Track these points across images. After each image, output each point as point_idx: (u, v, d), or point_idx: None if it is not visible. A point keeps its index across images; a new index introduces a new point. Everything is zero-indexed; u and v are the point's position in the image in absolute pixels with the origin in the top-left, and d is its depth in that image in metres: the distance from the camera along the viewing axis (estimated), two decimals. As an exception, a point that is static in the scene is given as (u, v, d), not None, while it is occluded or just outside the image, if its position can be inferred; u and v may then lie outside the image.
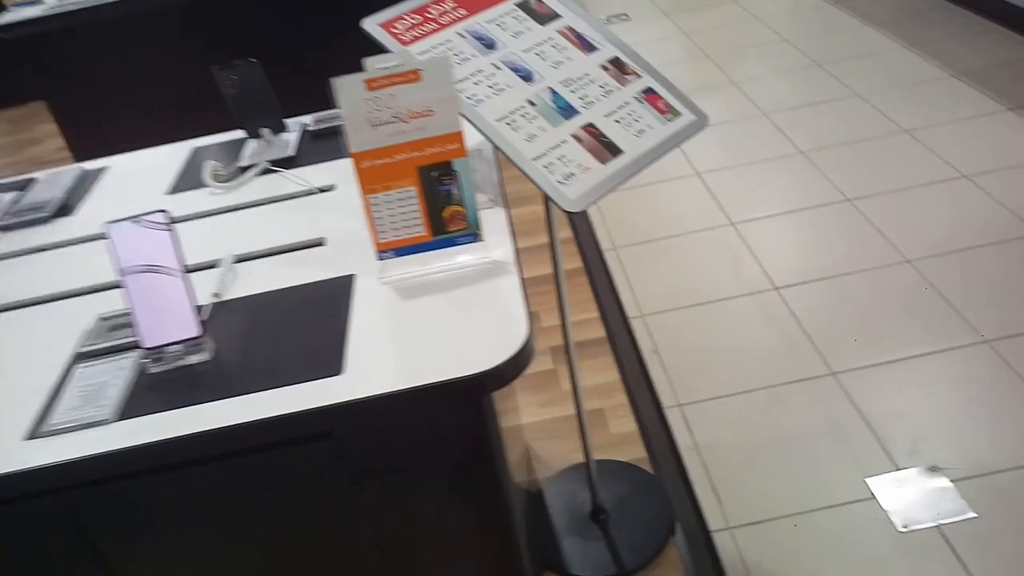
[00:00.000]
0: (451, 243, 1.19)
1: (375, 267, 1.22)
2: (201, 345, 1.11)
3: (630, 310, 2.53)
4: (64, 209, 1.64)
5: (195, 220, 1.49)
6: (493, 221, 1.30)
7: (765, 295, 2.50)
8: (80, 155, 3.60)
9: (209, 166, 1.59)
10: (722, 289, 2.55)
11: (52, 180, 1.76)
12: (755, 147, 3.31)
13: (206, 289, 1.25)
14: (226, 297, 1.24)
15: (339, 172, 1.56)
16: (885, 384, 2.11)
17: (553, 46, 1.44)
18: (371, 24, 1.39)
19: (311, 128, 1.74)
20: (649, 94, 1.43)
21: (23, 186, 1.76)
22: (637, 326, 2.46)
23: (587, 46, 1.46)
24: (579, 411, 1.68)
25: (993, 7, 3.98)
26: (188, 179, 1.63)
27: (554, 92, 1.38)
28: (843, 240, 2.67)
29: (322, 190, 1.51)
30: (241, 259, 1.33)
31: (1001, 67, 3.55)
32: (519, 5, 1.49)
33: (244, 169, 1.61)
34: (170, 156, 1.76)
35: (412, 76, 1.09)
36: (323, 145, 1.69)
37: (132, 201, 1.62)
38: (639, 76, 1.45)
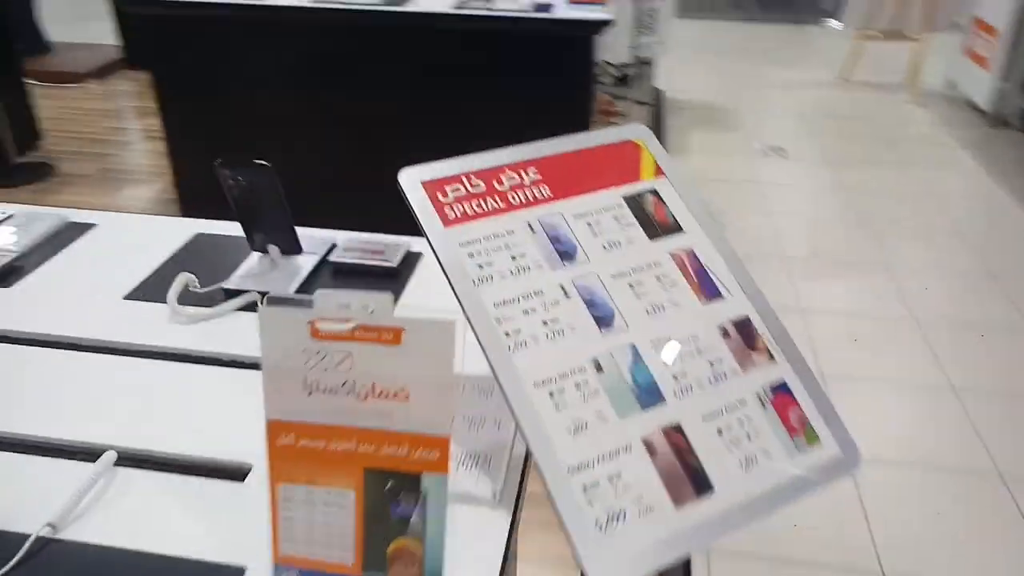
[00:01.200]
0: (388, 592, 0.73)
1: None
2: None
3: None
4: (10, 273, 1.26)
5: (124, 356, 1.08)
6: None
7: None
8: (174, 145, 3.35)
9: (181, 280, 1.18)
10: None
11: (24, 224, 1.39)
12: (894, 362, 2.72)
13: (48, 507, 0.83)
14: (61, 535, 0.81)
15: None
16: None
17: (658, 276, 0.97)
18: (411, 181, 0.95)
19: (335, 258, 1.30)
20: (780, 393, 0.94)
21: (-17, 221, 1.41)
22: None
23: (709, 288, 0.98)
24: None
25: None
26: (159, 282, 1.23)
27: (637, 355, 0.90)
28: (1001, 540, 2.06)
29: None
30: (131, 458, 0.91)
31: None
32: (627, 199, 1.03)
33: (228, 293, 1.20)
34: (167, 234, 1.38)
35: (386, 336, 0.64)
36: (343, 285, 1.26)
37: (87, 290, 1.22)
38: (772, 358, 0.96)
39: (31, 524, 0.81)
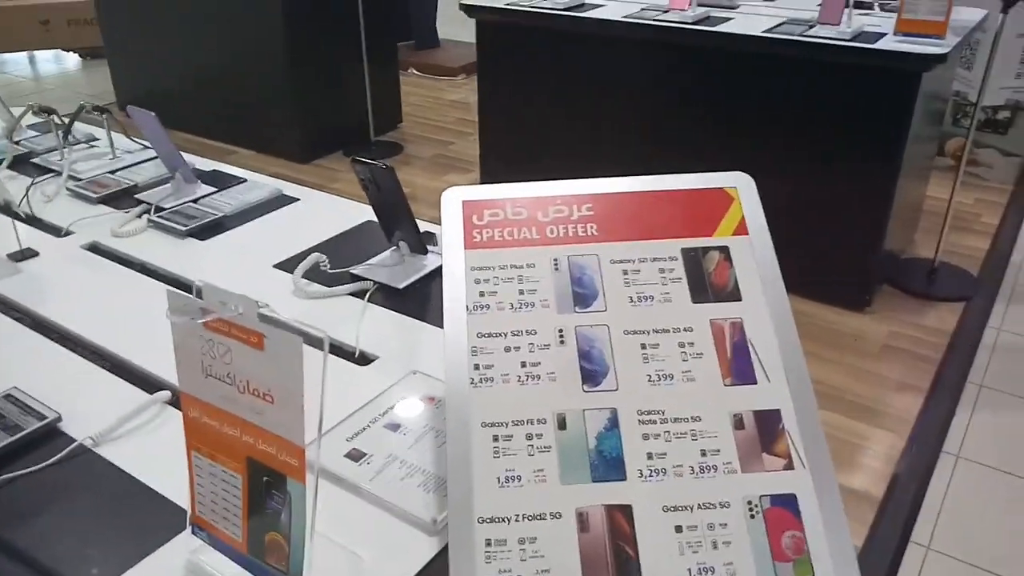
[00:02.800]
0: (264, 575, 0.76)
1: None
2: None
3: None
4: (210, 229, 1.52)
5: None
6: None
7: None
8: (486, 140, 3.65)
9: (312, 259, 1.32)
10: None
11: (245, 190, 1.66)
12: None
13: (100, 418, 0.99)
14: (99, 448, 0.97)
15: (413, 349, 1.18)
16: None
17: (682, 343, 0.87)
18: (452, 199, 0.97)
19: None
20: (781, 507, 0.79)
21: (226, 183, 1.69)
22: None
23: (741, 368, 0.86)
24: None
25: None
26: (303, 259, 1.39)
27: (614, 423, 0.82)
28: None
29: (359, 358, 1.15)
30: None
31: None
32: (686, 253, 0.93)
33: (353, 278, 1.31)
34: (348, 217, 1.54)
35: (252, 338, 0.68)
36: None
37: (251, 253, 1.42)
38: (790, 466, 0.81)
39: (82, 430, 0.98)
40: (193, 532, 0.81)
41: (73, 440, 0.97)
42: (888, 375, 2.61)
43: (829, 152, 2.85)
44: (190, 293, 0.72)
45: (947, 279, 3.09)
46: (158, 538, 0.84)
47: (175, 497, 0.89)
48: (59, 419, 1.00)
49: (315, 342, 0.81)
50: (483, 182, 3.74)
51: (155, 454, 0.96)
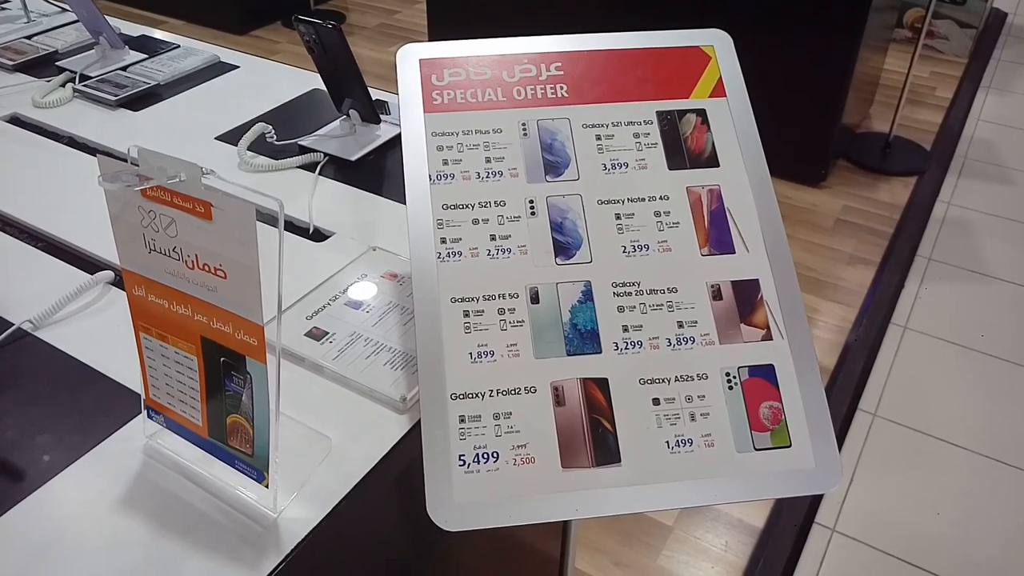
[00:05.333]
0: (230, 460, 0.73)
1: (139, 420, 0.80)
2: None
3: None
4: (144, 98, 1.40)
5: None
6: (304, 460, 0.79)
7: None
8: (433, 6, 3.46)
9: (257, 129, 1.23)
10: None
11: (180, 57, 1.53)
12: None
13: (38, 302, 0.93)
14: (39, 332, 0.91)
15: (370, 224, 1.12)
16: None
17: (657, 212, 0.83)
18: (408, 57, 0.89)
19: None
20: (759, 377, 0.78)
21: (156, 49, 1.56)
22: None
23: (719, 237, 0.82)
24: None
25: None
26: (247, 131, 1.30)
27: (588, 295, 0.79)
28: None
29: (313, 234, 1.09)
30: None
31: None
32: (661, 116, 0.87)
33: (302, 150, 1.23)
34: (292, 85, 1.44)
35: (199, 208, 0.61)
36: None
37: (190, 125, 1.32)
38: (769, 336, 0.79)
39: (19, 314, 0.91)
40: (148, 416, 0.77)
41: (10, 324, 0.91)
42: (841, 249, 2.63)
43: (789, 23, 2.76)
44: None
45: (901, 153, 3.10)
46: (111, 423, 0.79)
47: (126, 380, 0.84)
48: (-8, 303, 0.93)
49: (265, 217, 0.75)
50: (433, 54, 3.57)
51: (101, 337, 0.90)
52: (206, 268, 0.63)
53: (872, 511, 1.77)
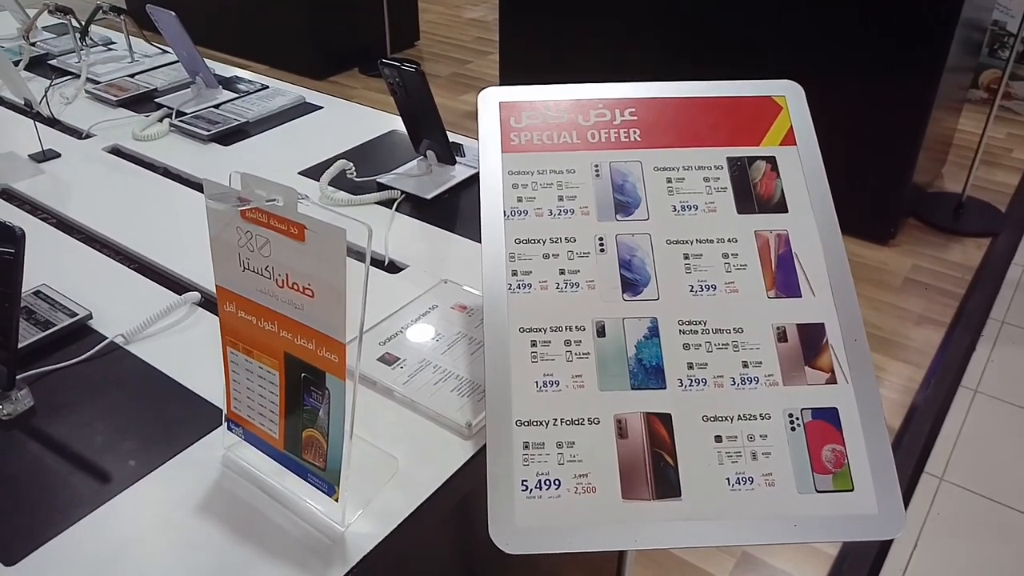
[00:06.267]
0: (303, 473, 0.76)
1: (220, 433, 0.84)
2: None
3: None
4: (234, 134, 1.49)
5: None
6: (372, 479, 0.81)
7: None
8: (506, 58, 3.56)
9: (338, 165, 1.30)
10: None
11: (268, 97, 1.62)
12: None
13: (130, 317, 0.98)
14: (129, 346, 0.97)
15: (442, 258, 1.16)
16: None
17: (725, 254, 0.85)
18: (488, 100, 0.93)
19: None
20: (822, 420, 0.78)
21: (246, 89, 1.65)
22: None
23: (786, 280, 0.84)
24: None
25: None
26: (329, 167, 1.36)
27: (654, 331, 0.81)
28: None
29: (389, 266, 1.13)
30: (213, 303, 1.04)
31: None
32: (732, 162, 0.90)
33: (380, 187, 1.29)
34: (372, 126, 1.50)
35: (293, 230, 0.66)
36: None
37: (276, 159, 1.40)
38: (833, 379, 0.79)
39: (112, 328, 0.97)
40: (229, 428, 0.81)
41: (104, 337, 0.96)
42: (910, 308, 2.59)
43: (863, 79, 2.76)
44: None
45: (974, 214, 3.04)
46: (193, 433, 0.84)
47: (208, 395, 0.89)
48: (90, 316, 0.99)
49: (349, 252, 0.79)
50: (503, 103, 3.66)
51: (186, 353, 0.95)
52: (295, 287, 0.68)
53: (936, 574, 1.71)
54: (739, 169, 0.89)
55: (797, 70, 2.88)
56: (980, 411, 2.16)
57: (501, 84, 3.56)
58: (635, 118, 0.92)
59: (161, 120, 1.52)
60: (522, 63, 3.55)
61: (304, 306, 0.68)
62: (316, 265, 0.65)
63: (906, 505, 1.89)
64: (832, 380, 0.79)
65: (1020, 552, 1.77)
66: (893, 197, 2.82)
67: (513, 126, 0.91)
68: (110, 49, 1.86)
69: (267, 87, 1.66)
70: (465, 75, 4.36)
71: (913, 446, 2.07)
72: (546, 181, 0.88)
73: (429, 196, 1.25)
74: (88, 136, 1.47)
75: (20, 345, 0.93)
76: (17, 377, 0.87)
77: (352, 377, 0.68)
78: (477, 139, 0.95)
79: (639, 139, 0.91)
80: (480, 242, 0.84)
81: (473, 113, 3.93)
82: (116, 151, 1.43)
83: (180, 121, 1.49)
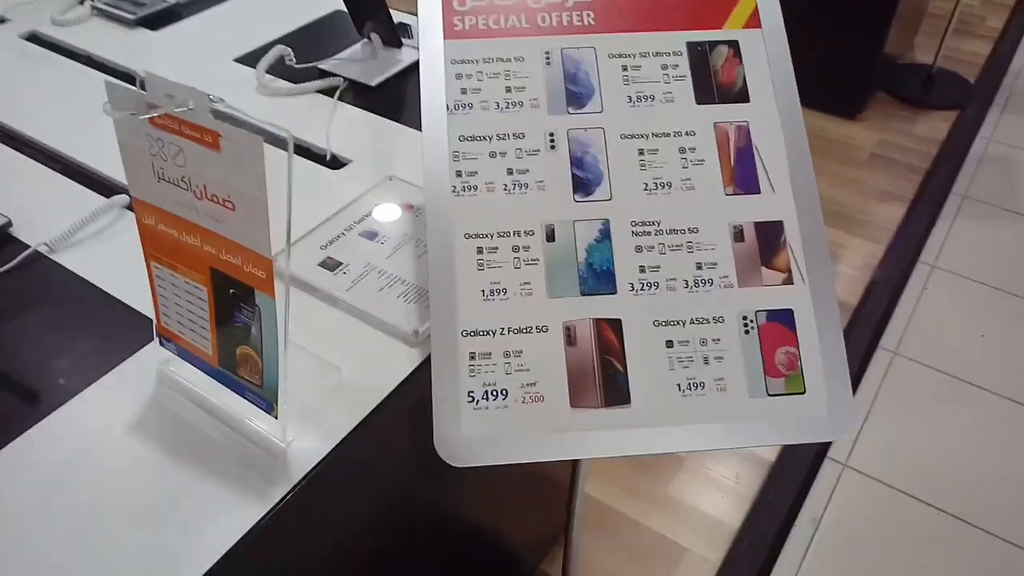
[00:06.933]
0: (240, 390, 0.73)
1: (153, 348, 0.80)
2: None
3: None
4: (163, 17, 1.37)
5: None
6: (314, 390, 0.78)
7: None
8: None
9: (276, 52, 1.20)
10: None
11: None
12: None
13: (54, 225, 0.92)
14: (54, 255, 0.91)
15: (388, 152, 1.09)
16: None
17: (682, 148, 0.80)
18: (428, -21, 0.85)
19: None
20: (777, 322, 0.76)
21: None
22: None
23: (745, 176, 0.79)
24: None
25: None
26: (266, 53, 1.27)
27: (606, 234, 0.77)
28: None
29: (331, 161, 1.07)
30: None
31: None
32: (692, 47, 0.84)
33: (321, 73, 1.20)
34: (315, 7, 1.39)
35: (207, 138, 0.60)
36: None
37: (210, 46, 1.30)
38: (790, 280, 0.77)
39: (35, 237, 0.91)
40: (161, 343, 0.77)
41: (27, 246, 0.91)
42: (873, 184, 2.57)
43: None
44: (135, 86, 0.63)
45: (943, 86, 2.99)
46: (125, 348, 0.80)
47: (140, 307, 0.84)
48: (9, 224, 0.93)
49: (280, 142, 0.74)
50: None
51: (116, 261, 0.90)
52: (214, 199, 0.62)
53: (885, 448, 1.77)
54: (699, 55, 0.83)
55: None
56: (937, 286, 2.19)
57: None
58: (588, 0, 0.85)
59: (82, 2, 1.39)
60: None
61: (225, 219, 0.63)
62: (234, 175, 0.59)
63: (859, 379, 1.93)
64: (789, 281, 0.77)
65: (970, 423, 1.83)
66: (863, 70, 2.75)
67: (456, 9, 0.83)
68: (21, -83, 1.69)
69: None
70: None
71: (868, 321, 2.10)
72: (493, 71, 0.81)
73: (374, 83, 1.18)
74: (2, 21, 1.35)
75: (-65, 257, 0.87)
76: (-68, 293, 0.81)
77: (282, 291, 0.64)
78: (418, 23, 0.87)
79: (593, 23, 0.84)
80: (425, 136, 0.78)
81: None
82: (34, 38, 1.32)
83: (103, 3, 1.37)
